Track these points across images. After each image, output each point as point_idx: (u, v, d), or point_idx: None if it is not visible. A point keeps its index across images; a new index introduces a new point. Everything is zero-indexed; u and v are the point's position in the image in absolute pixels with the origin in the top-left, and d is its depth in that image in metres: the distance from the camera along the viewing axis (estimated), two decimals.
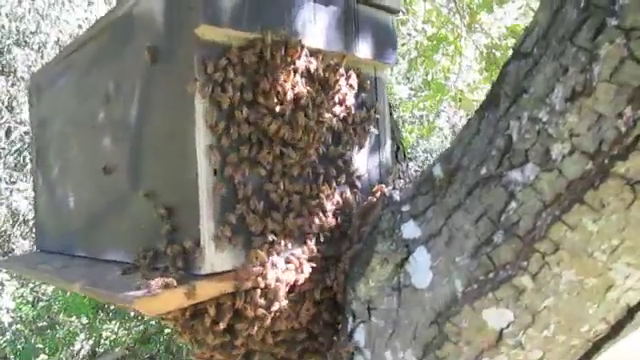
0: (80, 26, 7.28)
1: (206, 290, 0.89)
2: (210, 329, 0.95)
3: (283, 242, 0.99)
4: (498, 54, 3.15)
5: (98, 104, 1.25)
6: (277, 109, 0.98)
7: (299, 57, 1.01)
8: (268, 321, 0.96)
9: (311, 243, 1.02)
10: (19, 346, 5.77)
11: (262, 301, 0.95)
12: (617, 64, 0.67)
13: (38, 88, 1.66)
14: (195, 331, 0.97)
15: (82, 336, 6.30)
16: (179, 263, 0.93)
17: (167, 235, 0.98)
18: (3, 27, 6.29)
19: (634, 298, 0.81)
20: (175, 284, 0.87)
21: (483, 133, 0.86)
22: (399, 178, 1.32)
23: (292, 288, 0.99)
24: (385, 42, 1.20)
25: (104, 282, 1.01)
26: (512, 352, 0.85)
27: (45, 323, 6.15)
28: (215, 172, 0.94)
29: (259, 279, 0.94)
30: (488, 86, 4.00)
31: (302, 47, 1.01)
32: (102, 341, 6.39)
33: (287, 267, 0.98)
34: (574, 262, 0.77)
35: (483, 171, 0.84)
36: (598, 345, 0.88)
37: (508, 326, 0.83)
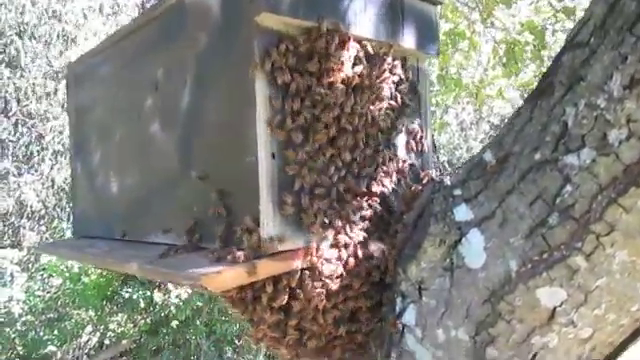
0: (85, 16, 7.31)
1: (266, 269, 0.92)
2: (267, 307, 0.99)
3: (337, 224, 1.02)
4: (516, 49, 3.18)
5: (145, 92, 1.29)
6: (331, 95, 1.01)
7: (351, 45, 1.04)
8: (321, 300, 1.00)
9: (363, 227, 1.05)
10: (28, 337, 5.81)
11: (316, 282, 0.98)
12: None
13: (76, 78, 1.69)
14: (252, 309, 1.01)
15: (90, 328, 6.35)
16: (240, 243, 0.96)
17: (222, 217, 1.02)
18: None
19: None
20: (241, 260, 0.90)
21: (536, 120, 0.90)
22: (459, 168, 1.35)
23: (344, 269, 1.02)
24: (428, 33, 1.23)
25: (161, 262, 1.05)
26: (563, 330, 0.88)
27: (54, 315, 6.20)
28: (273, 155, 0.97)
29: (314, 259, 0.98)
30: (504, 81, 4.05)
31: (354, 36, 1.04)
32: (109, 333, 6.44)
33: (341, 249, 1.02)
34: (627, 243, 0.81)
35: (537, 156, 0.87)
36: None
37: (561, 305, 0.86)
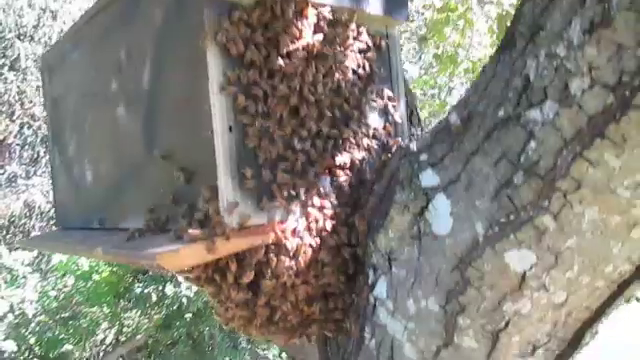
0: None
1: (226, 246, 0.89)
2: (233, 285, 0.96)
3: (303, 198, 0.99)
4: (509, 21, 3.09)
5: (110, 74, 1.26)
6: (289, 65, 0.97)
7: (310, 12, 1.00)
8: (289, 277, 0.97)
9: (330, 199, 1.02)
10: (43, 337, 5.87)
11: (283, 257, 0.95)
12: None
13: (49, 67, 1.66)
14: (219, 288, 0.98)
15: (105, 325, 6.41)
16: (199, 221, 0.93)
17: (185, 195, 0.99)
18: (0, 23, 6.31)
19: None
20: (199, 238, 0.88)
21: (499, 76, 0.85)
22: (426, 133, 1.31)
23: (313, 244, 0.99)
24: None
25: (125, 245, 1.02)
26: (535, 295, 0.84)
27: (68, 314, 6.26)
28: (230, 129, 0.94)
29: (279, 234, 0.95)
30: None
31: (313, 3, 1.00)
32: (124, 329, 6.49)
33: (308, 222, 0.98)
34: (597, 200, 0.76)
35: (501, 113, 0.83)
36: (623, 287, 0.87)
37: (531, 268, 0.82)
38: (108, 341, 6.63)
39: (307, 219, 0.99)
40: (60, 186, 1.64)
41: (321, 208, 1.00)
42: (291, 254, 0.96)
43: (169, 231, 1.02)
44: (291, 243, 0.96)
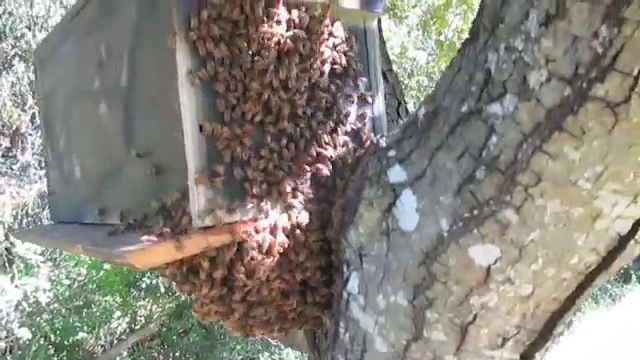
0: None
1: (194, 243, 0.90)
2: (207, 281, 0.97)
3: (275, 195, 0.99)
4: None
5: (94, 70, 1.27)
6: (261, 62, 0.97)
7: (281, 7, 1.00)
8: (262, 273, 0.98)
9: (305, 195, 1.02)
10: (57, 324, 5.98)
11: (255, 253, 0.96)
12: None
13: (41, 61, 1.68)
14: (193, 285, 0.99)
15: (118, 313, 6.51)
16: (170, 218, 0.95)
17: (158, 193, 1.00)
18: (11, 13, 6.37)
19: (624, 227, 0.80)
20: (168, 237, 0.89)
21: (464, 70, 0.85)
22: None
23: (286, 240, 1.00)
24: None
25: (104, 242, 1.04)
26: (501, 288, 0.84)
27: (81, 302, 6.36)
28: (201, 128, 0.94)
29: (250, 231, 0.95)
30: None
31: None
32: (137, 318, 6.59)
33: (281, 219, 0.99)
34: (558, 192, 0.76)
35: (464, 108, 0.83)
36: (590, 277, 0.87)
37: (495, 262, 0.82)
38: (121, 329, 6.74)
39: (280, 216, 1.00)
40: (53, 180, 1.67)
41: (294, 205, 1.01)
42: (264, 251, 0.97)
43: (149, 228, 1.04)
44: (264, 240, 0.97)
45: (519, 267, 0.82)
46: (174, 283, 1.01)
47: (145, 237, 0.90)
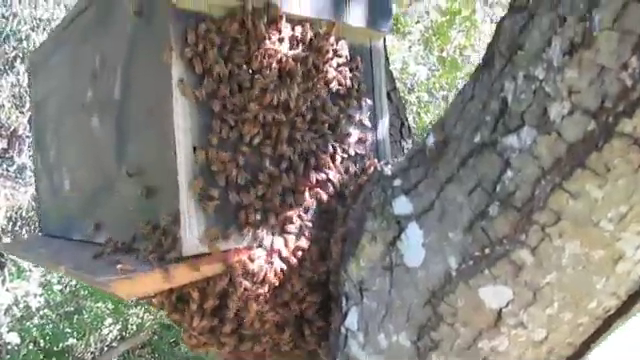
0: None
1: (184, 273, 0.84)
2: (197, 313, 0.91)
3: (273, 222, 0.94)
4: None
5: (87, 81, 1.21)
6: (261, 81, 0.92)
7: (284, 25, 0.95)
8: (256, 305, 0.92)
9: (304, 223, 0.97)
10: (47, 330, 5.88)
11: (248, 284, 0.90)
12: (620, 9, 0.59)
13: (34, 67, 1.63)
14: (182, 315, 0.93)
15: (109, 321, 6.42)
16: (159, 245, 0.89)
17: (149, 214, 0.94)
18: (15, 15, 6.35)
19: None
20: (155, 265, 0.83)
21: (477, 98, 0.79)
22: (402, 155, 1.25)
23: (281, 270, 0.94)
24: (379, 9, 1.12)
25: (89, 265, 0.98)
26: (513, 332, 0.78)
27: (72, 308, 6.27)
28: (195, 149, 0.89)
29: (245, 261, 0.90)
30: None
31: (285, 15, 0.94)
32: (129, 326, 6.50)
33: (277, 248, 0.93)
34: (578, 233, 0.71)
35: (477, 138, 0.77)
36: (609, 322, 0.81)
37: (507, 305, 0.76)
38: (112, 337, 6.64)
39: (277, 244, 0.94)
40: (42, 192, 1.61)
41: (292, 233, 0.95)
42: (259, 281, 0.91)
43: (137, 252, 0.98)
44: (259, 270, 0.91)
45: (533, 310, 0.76)
46: (163, 312, 0.95)
47: (123, 266, 0.84)
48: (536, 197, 0.71)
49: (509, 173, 0.73)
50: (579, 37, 0.64)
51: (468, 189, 0.77)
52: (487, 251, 0.75)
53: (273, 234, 0.93)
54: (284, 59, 0.95)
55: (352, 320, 0.92)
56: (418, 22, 4.39)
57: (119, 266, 0.85)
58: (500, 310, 0.77)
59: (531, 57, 0.70)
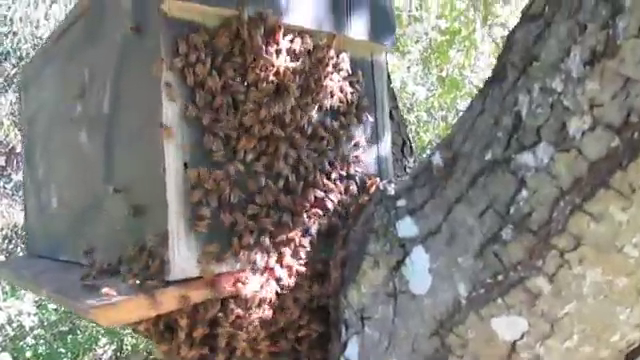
0: None
1: (171, 298, 0.78)
2: (185, 342, 0.85)
3: (267, 244, 0.88)
4: None
5: (75, 96, 1.16)
6: (256, 95, 0.87)
7: (282, 36, 0.90)
8: (250, 333, 0.85)
9: (301, 245, 0.90)
10: (40, 350, 5.78)
11: (240, 311, 0.84)
12: None
13: (26, 83, 1.58)
14: (170, 343, 0.87)
15: (104, 340, 6.31)
16: (146, 267, 0.83)
17: (135, 235, 0.88)
18: (15, 34, 6.37)
19: None
20: (140, 290, 0.77)
21: (488, 113, 0.74)
22: (405, 174, 1.20)
23: (277, 296, 0.87)
24: (381, 22, 1.07)
25: (71, 289, 0.92)
26: None
27: (66, 328, 6.17)
28: (186, 166, 0.83)
29: (238, 286, 0.83)
30: None
31: (283, 25, 0.90)
32: (123, 346, 6.39)
33: (273, 272, 0.87)
34: (600, 260, 0.65)
35: (488, 156, 0.72)
36: (632, 356, 0.75)
37: (522, 337, 0.70)
38: (107, 357, 6.52)
39: (272, 268, 0.87)
40: (29, 211, 1.55)
41: (288, 256, 0.89)
42: (252, 307, 0.85)
43: (123, 275, 0.92)
44: (253, 295, 0.84)
45: (550, 343, 0.70)
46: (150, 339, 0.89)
47: (107, 290, 0.78)
48: (554, 220, 0.65)
49: (524, 193, 0.67)
50: (601, 46, 0.59)
51: (479, 211, 0.71)
52: (500, 278, 0.69)
53: (268, 257, 0.87)
54: (281, 72, 0.90)
55: (352, 351, 0.85)
56: (417, 42, 4.38)
57: (103, 290, 0.78)
58: (514, 342, 0.71)
59: (548, 68, 0.65)
